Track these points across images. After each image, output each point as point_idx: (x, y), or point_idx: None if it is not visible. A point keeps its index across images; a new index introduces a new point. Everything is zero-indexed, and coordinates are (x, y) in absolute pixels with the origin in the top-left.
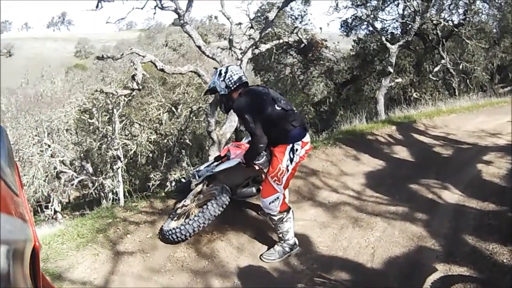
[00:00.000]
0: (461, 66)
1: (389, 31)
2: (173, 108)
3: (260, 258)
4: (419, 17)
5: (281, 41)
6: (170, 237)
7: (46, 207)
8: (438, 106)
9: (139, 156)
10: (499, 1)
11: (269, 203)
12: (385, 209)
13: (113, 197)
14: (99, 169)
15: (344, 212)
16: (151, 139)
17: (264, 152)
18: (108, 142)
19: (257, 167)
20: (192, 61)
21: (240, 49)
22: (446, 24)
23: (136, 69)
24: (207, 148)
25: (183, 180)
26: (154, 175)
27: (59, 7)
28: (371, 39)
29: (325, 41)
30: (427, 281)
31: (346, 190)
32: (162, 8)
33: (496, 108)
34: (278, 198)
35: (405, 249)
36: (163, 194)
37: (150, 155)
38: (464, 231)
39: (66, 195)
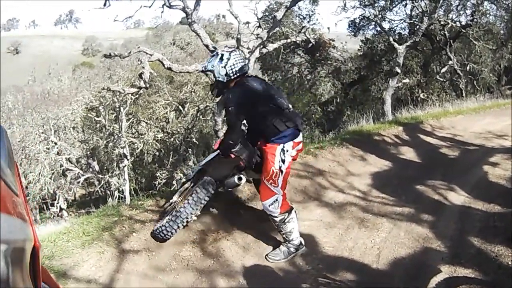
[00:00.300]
0: (468, 67)
1: (396, 32)
2: (180, 107)
3: (266, 258)
4: (427, 17)
5: (288, 40)
6: (158, 235)
7: (52, 205)
8: (445, 107)
9: (146, 154)
10: (507, 2)
11: (269, 206)
12: (391, 210)
13: (119, 195)
14: (105, 167)
15: (350, 213)
16: (157, 137)
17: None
18: (115, 140)
19: (233, 156)
20: (200, 60)
21: (248, 48)
22: (454, 25)
23: (143, 67)
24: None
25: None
26: (160, 174)
27: (66, 5)
28: (378, 39)
29: (333, 41)
30: (431, 282)
31: (353, 191)
32: (170, 6)
33: (503, 109)
34: (277, 200)
35: (411, 250)
36: (169, 192)
37: (157, 153)
38: (470, 233)
39: (72, 192)
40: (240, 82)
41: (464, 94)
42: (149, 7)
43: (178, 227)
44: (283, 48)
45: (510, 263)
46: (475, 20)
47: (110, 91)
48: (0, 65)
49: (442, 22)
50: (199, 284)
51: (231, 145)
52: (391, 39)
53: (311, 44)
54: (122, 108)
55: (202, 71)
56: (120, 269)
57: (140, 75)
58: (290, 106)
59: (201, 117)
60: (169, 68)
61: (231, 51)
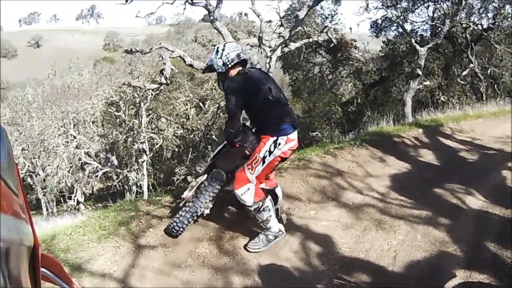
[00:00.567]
0: (489, 71)
1: (418, 33)
2: (200, 104)
3: (246, 249)
4: (449, 20)
5: (310, 40)
6: (171, 230)
7: (69, 198)
8: (465, 110)
9: (165, 150)
10: None
11: (241, 195)
12: (409, 212)
13: (137, 190)
14: (124, 162)
15: (367, 214)
16: (177, 133)
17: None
18: (134, 136)
19: (237, 145)
20: None
21: (270, 46)
22: (475, 28)
23: (164, 63)
24: None
25: None
26: (179, 170)
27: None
28: (400, 41)
29: (355, 41)
30: (446, 287)
31: (371, 192)
32: (192, 3)
33: None
34: (249, 189)
35: (427, 253)
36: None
37: (176, 149)
38: (486, 238)
39: (89, 186)
40: (241, 72)
41: (484, 98)
42: (171, 3)
43: (189, 221)
44: (305, 47)
45: None
46: (496, 23)
47: (131, 87)
48: (20, 59)
49: (463, 25)
50: (214, 281)
51: (232, 134)
52: (413, 40)
53: (333, 44)
54: (142, 104)
55: (204, 72)
56: (136, 264)
57: (161, 71)
58: (287, 102)
59: (221, 114)
60: (191, 65)
61: (226, 43)
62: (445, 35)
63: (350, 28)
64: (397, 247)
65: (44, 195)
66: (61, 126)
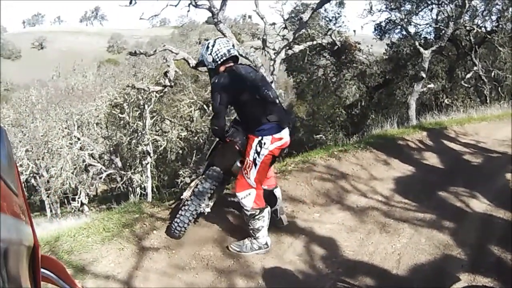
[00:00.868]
0: (493, 74)
1: (422, 36)
2: (204, 106)
3: (228, 247)
4: (453, 22)
5: (314, 42)
6: (173, 232)
7: (73, 199)
8: (469, 113)
9: (169, 152)
10: None
11: (242, 198)
12: (413, 215)
13: (141, 192)
14: (128, 164)
15: (372, 217)
16: (181, 136)
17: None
18: (138, 137)
19: (228, 140)
20: None
21: (274, 49)
22: (479, 30)
23: (168, 65)
24: None
25: None
26: (183, 172)
27: (93, 1)
28: (404, 44)
29: (359, 44)
30: None
31: (375, 195)
32: (196, 6)
33: None
34: (250, 194)
35: (431, 256)
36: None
37: (180, 151)
38: (490, 241)
39: (93, 188)
40: (230, 69)
41: (488, 101)
42: (175, 6)
43: (189, 220)
44: (309, 50)
45: None
46: (500, 26)
47: (135, 89)
48: (24, 60)
49: (467, 28)
50: (218, 284)
51: (217, 131)
52: (416, 43)
53: (337, 47)
54: (146, 106)
55: (196, 67)
56: (139, 266)
57: (165, 74)
58: (278, 100)
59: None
60: (195, 67)
61: (217, 38)
62: (449, 37)
63: (354, 31)
64: (401, 250)
65: (48, 196)
66: (65, 128)
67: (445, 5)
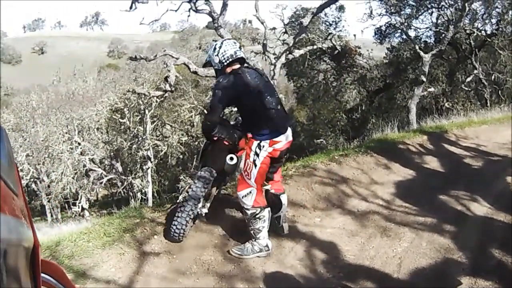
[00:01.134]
0: (493, 77)
1: (422, 40)
2: (205, 111)
3: (228, 252)
4: (453, 26)
5: (315, 47)
6: (173, 235)
7: (74, 204)
8: (469, 116)
9: (170, 157)
10: None
11: (242, 197)
12: (414, 219)
13: (141, 197)
14: (128, 169)
15: (372, 221)
16: (182, 140)
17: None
18: (139, 142)
19: (215, 138)
20: None
21: (274, 53)
22: (479, 34)
23: (169, 70)
24: None
25: None
26: (184, 177)
27: (93, 5)
28: (404, 47)
29: (359, 48)
30: None
31: (376, 199)
32: (197, 10)
33: None
34: (250, 192)
35: (432, 260)
36: None
37: (181, 156)
38: (491, 245)
39: (94, 193)
40: (236, 71)
41: (488, 104)
42: (176, 10)
43: (187, 221)
44: (309, 54)
45: None
46: (500, 29)
47: (135, 94)
48: (24, 65)
49: (467, 31)
50: None
51: (208, 126)
52: (417, 47)
53: (337, 51)
54: (147, 111)
55: (195, 72)
56: (140, 271)
57: (166, 79)
58: (279, 106)
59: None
60: (195, 72)
61: (224, 40)
62: (449, 41)
63: (354, 35)
64: (402, 254)
65: (48, 201)
66: (66, 133)
67: (445, 9)
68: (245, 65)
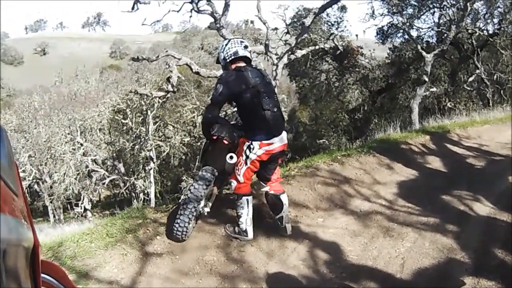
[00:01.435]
0: (495, 77)
1: (424, 40)
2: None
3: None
4: (455, 26)
5: (317, 47)
6: (175, 234)
7: (76, 205)
8: (472, 116)
9: (172, 157)
10: None
11: (231, 182)
12: (416, 219)
13: (144, 198)
14: (131, 169)
15: (375, 221)
16: (184, 141)
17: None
18: (141, 143)
19: (215, 137)
20: None
21: (276, 54)
22: (481, 33)
23: (171, 71)
24: None
25: None
26: (186, 177)
27: (95, 5)
28: (406, 47)
29: (361, 48)
30: None
31: (378, 199)
32: (199, 11)
33: None
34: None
35: (435, 260)
36: None
37: (183, 157)
38: (494, 245)
39: (97, 193)
40: (238, 68)
41: (491, 104)
42: (178, 11)
43: (189, 218)
44: (311, 54)
45: None
46: (502, 28)
47: (138, 94)
48: (26, 66)
49: (469, 31)
50: None
51: (209, 119)
52: (419, 47)
53: (339, 51)
54: (149, 111)
55: (197, 73)
56: (143, 271)
57: (168, 79)
58: (275, 109)
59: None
60: (197, 73)
61: (232, 38)
62: (451, 41)
63: (356, 35)
64: (405, 254)
65: (51, 202)
66: (68, 134)
67: (447, 9)
68: (251, 65)
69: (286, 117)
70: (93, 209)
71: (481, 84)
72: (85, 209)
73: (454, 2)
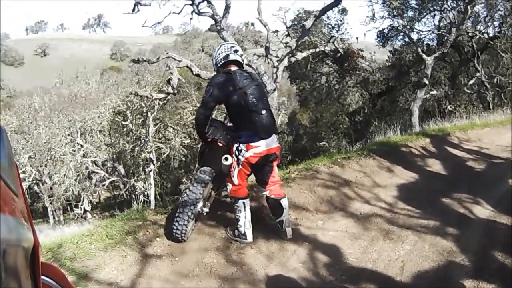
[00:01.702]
0: (495, 80)
1: (425, 43)
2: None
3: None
4: (455, 29)
5: (317, 50)
6: (175, 233)
7: (76, 206)
8: (472, 119)
9: (172, 159)
10: None
11: (227, 185)
12: (416, 222)
13: (144, 200)
14: (131, 171)
15: (375, 224)
16: (184, 143)
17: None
18: (141, 145)
19: (209, 139)
20: None
21: (276, 56)
22: (482, 36)
23: (171, 73)
24: None
25: None
26: (186, 179)
27: (95, 6)
28: (407, 50)
29: (361, 51)
30: None
31: (378, 202)
32: (199, 13)
33: None
34: (228, 184)
35: (435, 263)
36: None
37: (183, 159)
38: (494, 248)
39: (96, 195)
40: (227, 71)
41: (491, 107)
42: (178, 13)
43: (189, 216)
44: (312, 57)
45: None
46: (502, 31)
47: (138, 96)
48: (27, 67)
49: (470, 34)
50: None
51: (201, 119)
52: (419, 50)
53: (339, 54)
54: (149, 113)
55: (197, 75)
56: (142, 273)
57: (168, 81)
58: (264, 111)
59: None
60: (198, 75)
61: (223, 43)
62: (451, 44)
63: (357, 38)
64: (404, 257)
65: (51, 203)
66: (68, 135)
67: (448, 12)
68: (243, 68)
69: (286, 119)
70: (93, 211)
71: (482, 87)
72: (85, 211)
73: (454, 5)
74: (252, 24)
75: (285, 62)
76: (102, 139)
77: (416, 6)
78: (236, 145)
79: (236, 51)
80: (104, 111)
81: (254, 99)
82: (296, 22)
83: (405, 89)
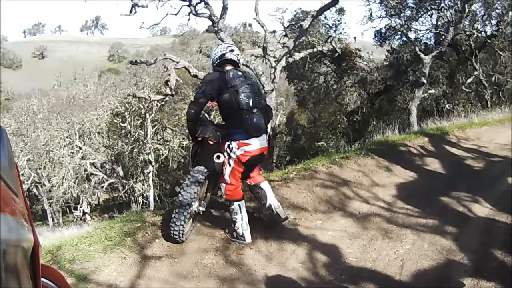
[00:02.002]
0: (493, 78)
1: (422, 42)
2: (206, 115)
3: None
4: (453, 27)
5: (315, 50)
6: (172, 234)
7: (75, 208)
8: (470, 118)
9: (171, 161)
10: None
11: (222, 187)
12: (416, 221)
13: (143, 201)
14: (130, 173)
15: (374, 224)
16: (183, 144)
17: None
18: (140, 146)
19: (199, 138)
20: None
21: (274, 57)
22: (479, 35)
23: (169, 74)
24: None
25: None
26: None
27: (93, 8)
28: (404, 49)
29: (359, 50)
30: None
31: (377, 201)
32: (197, 14)
33: None
34: (222, 185)
35: (434, 262)
36: None
37: (182, 160)
38: (493, 246)
39: (95, 197)
40: (221, 70)
41: (489, 105)
42: (176, 14)
43: (185, 215)
44: (310, 57)
45: None
46: (500, 30)
47: (136, 98)
48: (24, 70)
49: (467, 32)
50: None
51: (192, 114)
52: (417, 49)
53: (337, 54)
54: (147, 115)
55: (195, 76)
56: (142, 275)
57: (166, 82)
58: (256, 110)
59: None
60: (195, 76)
61: (219, 44)
62: (449, 43)
63: (354, 38)
64: (404, 256)
65: (50, 205)
66: (67, 137)
67: (445, 11)
68: (238, 67)
69: (284, 119)
70: (92, 213)
71: (480, 85)
72: (84, 213)
73: (452, 4)
74: (250, 25)
75: (283, 63)
76: (101, 141)
77: (413, 5)
78: (227, 142)
79: (232, 51)
80: (102, 113)
81: (246, 98)
82: (293, 22)
83: (403, 89)
